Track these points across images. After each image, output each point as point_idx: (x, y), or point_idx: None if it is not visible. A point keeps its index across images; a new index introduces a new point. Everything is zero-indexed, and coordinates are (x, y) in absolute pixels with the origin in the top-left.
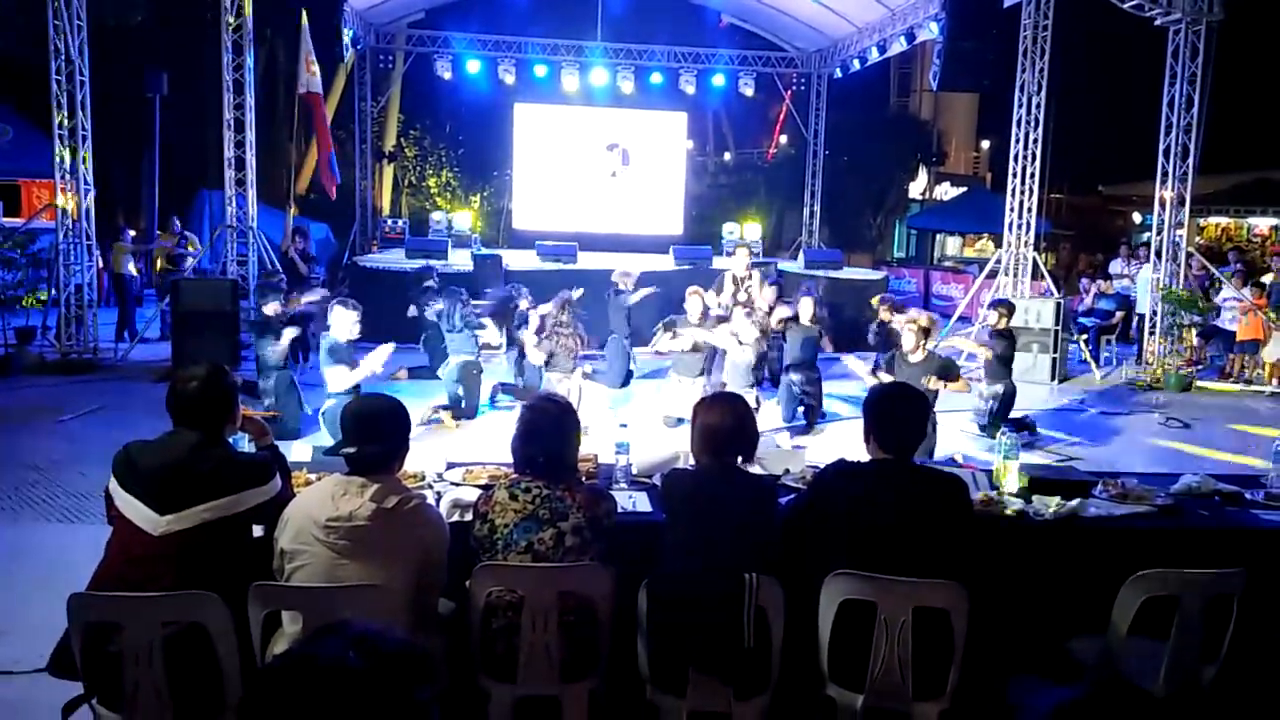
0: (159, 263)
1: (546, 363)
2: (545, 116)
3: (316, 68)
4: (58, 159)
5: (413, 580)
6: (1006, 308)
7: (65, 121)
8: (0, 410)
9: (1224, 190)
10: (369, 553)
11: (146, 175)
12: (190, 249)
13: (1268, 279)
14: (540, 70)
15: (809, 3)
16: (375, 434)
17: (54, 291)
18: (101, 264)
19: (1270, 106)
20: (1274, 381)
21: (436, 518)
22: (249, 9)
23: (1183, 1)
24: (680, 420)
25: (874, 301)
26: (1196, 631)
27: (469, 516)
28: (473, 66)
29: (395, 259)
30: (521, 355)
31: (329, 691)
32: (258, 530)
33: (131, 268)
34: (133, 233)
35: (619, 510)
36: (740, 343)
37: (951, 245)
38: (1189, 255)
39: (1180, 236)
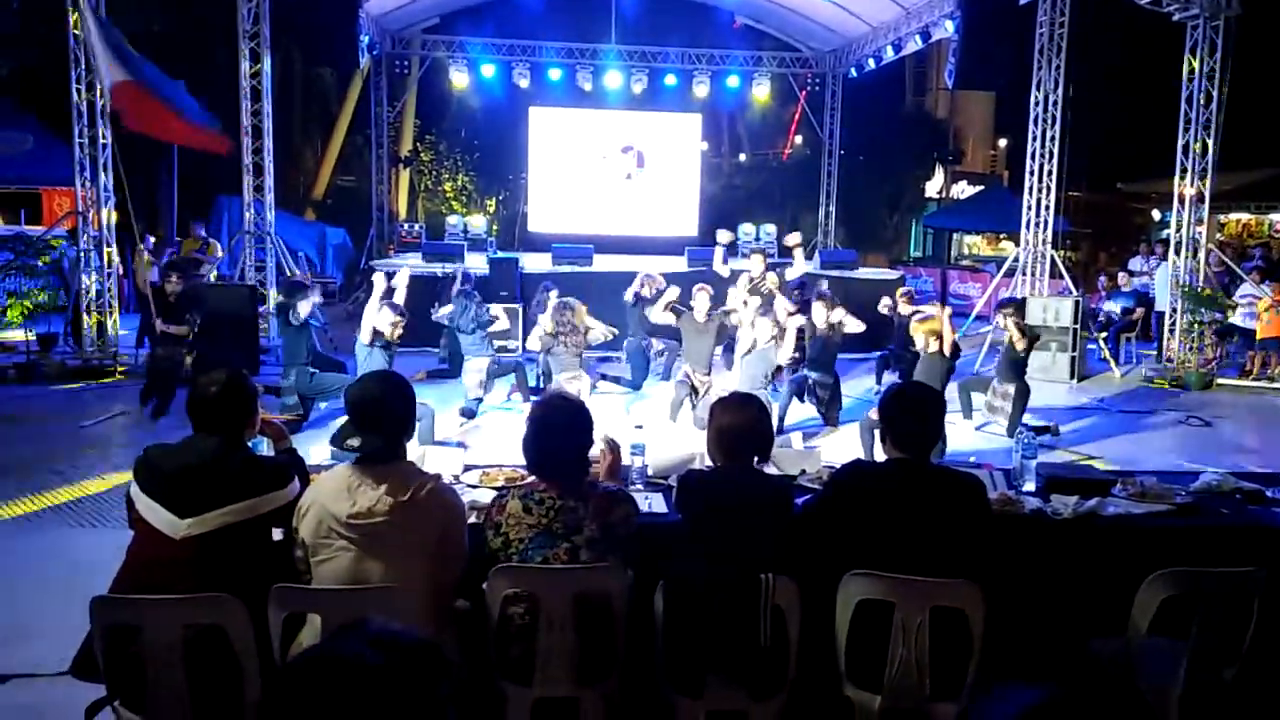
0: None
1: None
2: (560, 120)
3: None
4: (78, 167)
5: (434, 563)
6: (1014, 307)
7: (86, 129)
8: (23, 416)
9: (1245, 186)
10: (391, 547)
11: (165, 182)
12: (210, 254)
13: None
14: (555, 74)
15: (823, 3)
16: (379, 422)
17: (71, 298)
18: (122, 271)
19: None
20: None
21: (451, 497)
22: (264, 17)
23: None
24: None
25: (898, 295)
26: (1217, 631)
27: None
28: (487, 71)
29: (412, 263)
30: (543, 356)
31: (348, 689)
32: (277, 534)
33: (156, 274)
34: (153, 239)
35: None
36: (755, 342)
37: (969, 244)
38: (1209, 252)
39: (1200, 233)
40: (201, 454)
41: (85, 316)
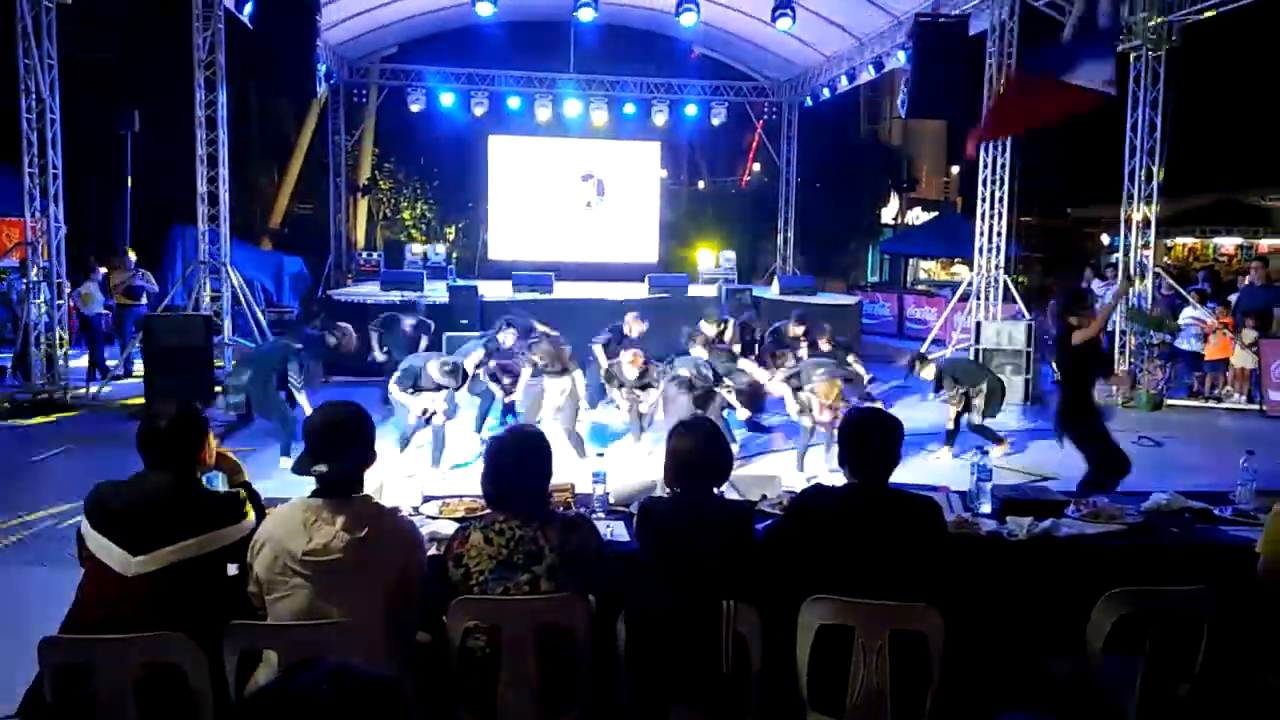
0: (116, 297)
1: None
2: (519, 148)
3: None
4: (27, 197)
5: (392, 600)
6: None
7: (36, 159)
8: None
9: (1189, 211)
10: (348, 584)
11: (118, 212)
12: (147, 282)
13: (1234, 297)
14: (514, 102)
15: (778, 33)
16: (342, 450)
17: (18, 332)
18: (73, 303)
19: (1233, 129)
20: (1238, 393)
21: (409, 531)
22: (220, 46)
23: (1142, 29)
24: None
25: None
26: (1170, 648)
27: None
28: (446, 99)
29: (370, 292)
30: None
31: None
32: (232, 569)
33: (100, 306)
34: (104, 270)
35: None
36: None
37: (924, 269)
38: (1156, 275)
39: (1147, 257)
40: (153, 489)
41: (34, 349)
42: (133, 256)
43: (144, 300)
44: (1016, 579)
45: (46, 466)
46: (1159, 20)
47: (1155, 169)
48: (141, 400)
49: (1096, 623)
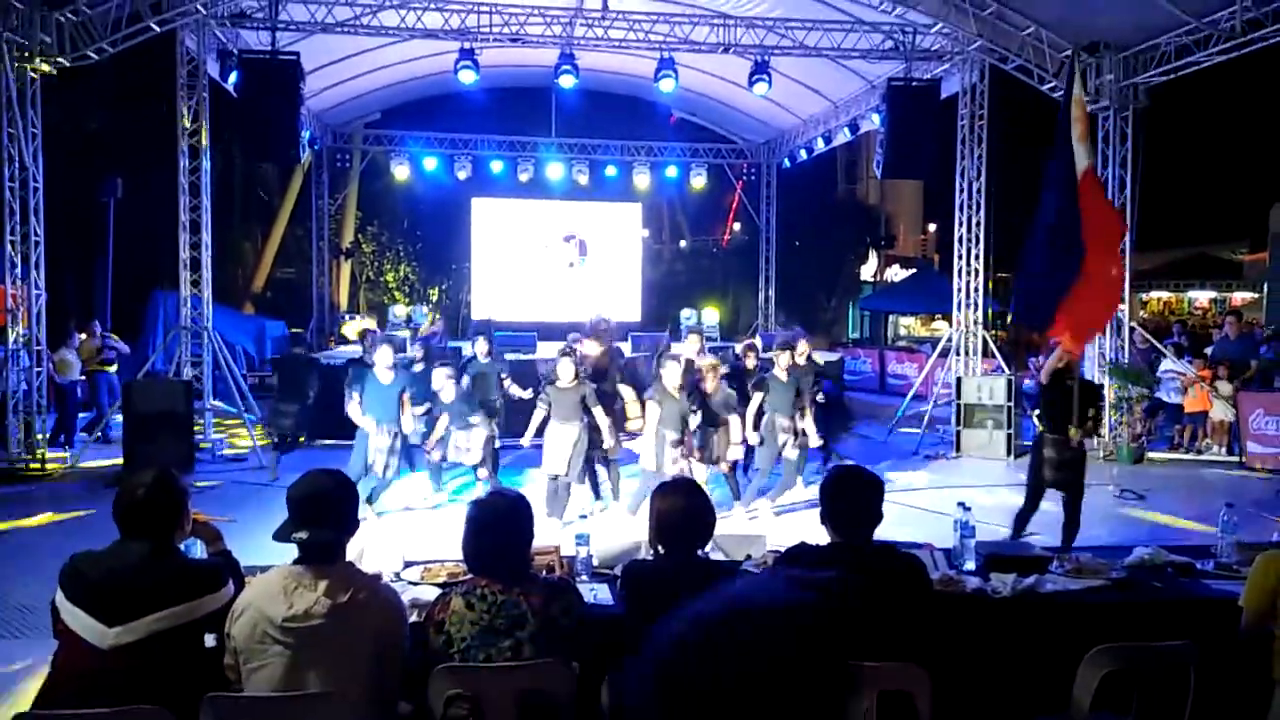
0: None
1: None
2: (502, 210)
3: None
4: (8, 265)
5: (373, 669)
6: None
7: (18, 227)
8: None
9: (1163, 266)
10: (328, 652)
11: (100, 278)
12: (116, 341)
13: (1210, 350)
14: (496, 166)
15: (754, 97)
16: (324, 518)
17: None
18: (52, 368)
19: (1204, 186)
20: (1218, 445)
21: (392, 599)
22: (205, 115)
23: (1110, 90)
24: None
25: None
26: (1157, 704)
27: None
28: (429, 163)
29: (353, 353)
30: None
31: None
32: (210, 639)
33: (77, 373)
34: (82, 337)
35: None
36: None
37: (904, 325)
38: (1132, 330)
39: (1123, 312)
40: (130, 559)
41: (12, 418)
42: (98, 325)
43: (115, 366)
44: (1002, 636)
45: (21, 537)
46: (1125, 83)
47: (1127, 225)
48: (119, 468)
49: (1083, 680)
